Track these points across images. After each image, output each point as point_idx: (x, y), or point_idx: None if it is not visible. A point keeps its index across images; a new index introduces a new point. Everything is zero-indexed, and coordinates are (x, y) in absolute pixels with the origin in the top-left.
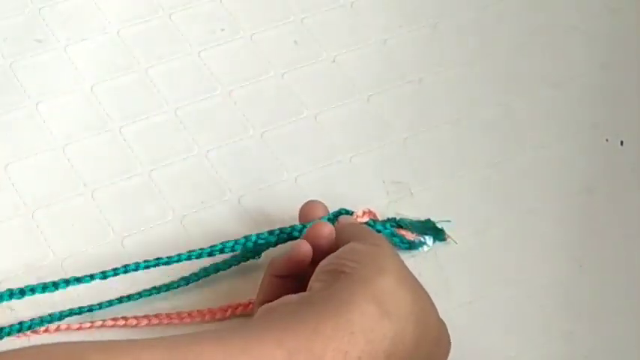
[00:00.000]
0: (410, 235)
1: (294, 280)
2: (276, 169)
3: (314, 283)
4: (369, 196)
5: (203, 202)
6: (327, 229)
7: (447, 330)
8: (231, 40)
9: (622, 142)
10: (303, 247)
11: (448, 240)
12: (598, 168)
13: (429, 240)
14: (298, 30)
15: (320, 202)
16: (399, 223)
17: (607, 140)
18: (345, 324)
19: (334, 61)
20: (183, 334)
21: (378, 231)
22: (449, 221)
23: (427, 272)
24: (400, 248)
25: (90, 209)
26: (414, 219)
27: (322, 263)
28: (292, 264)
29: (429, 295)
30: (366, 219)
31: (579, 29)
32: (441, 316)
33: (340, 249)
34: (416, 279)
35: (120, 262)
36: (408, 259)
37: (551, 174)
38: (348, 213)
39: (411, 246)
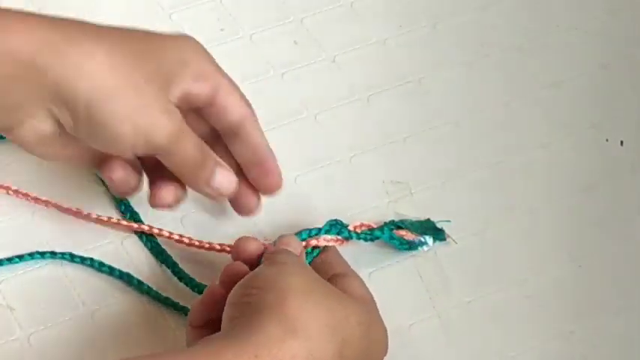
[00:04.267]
0: (410, 235)
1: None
2: None
3: (224, 318)
4: (369, 196)
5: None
6: (254, 245)
7: (384, 332)
8: (231, 40)
9: (622, 142)
10: (216, 290)
11: (448, 240)
12: (598, 168)
13: (429, 240)
14: (298, 30)
15: (254, 239)
16: (398, 224)
17: (607, 140)
18: (248, 347)
19: (334, 61)
20: None
21: (376, 237)
22: (449, 221)
23: (427, 272)
24: (400, 249)
25: None
26: (414, 219)
27: (229, 296)
28: (207, 308)
29: (353, 302)
30: (358, 230)
31: (579, 29)
32: (441, 315)
33: (244, 277)
34: (331, 289)
35: None
36: (408, 259)
37: (551, 174)
38: (343, 226)
39: (411, 246)
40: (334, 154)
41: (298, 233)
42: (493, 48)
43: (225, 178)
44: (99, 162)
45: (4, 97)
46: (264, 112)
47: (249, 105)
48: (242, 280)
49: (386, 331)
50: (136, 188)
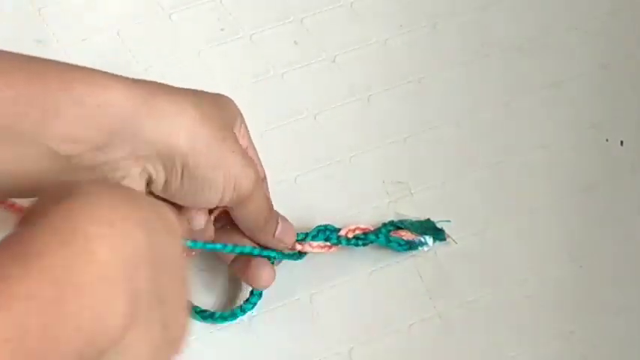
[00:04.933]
0: (409, 235)
1: None
2: (275, 169)
3: None
4: (369, 196)
5: None
6: None
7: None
8: (231, 40)
9: (622, 142)
10: None
11: (448, 240)
12: (598, 168)
13: (429, 240)
14: (298, 30)
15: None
16: (397, 225)
17: (607, 140)
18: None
19: (334, 61)
20: None
21: (370, 241)
22: (449, 221)
23: (427, 272)
24: (399, 250)
25: None
26: (414, 219)
27: None
28: None
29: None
30: (351, 234)
31: (579, 29)
32: (442, 315)
33: None
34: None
35: None
36: (408, 259)
37: (551, 174)
38: (334, 230)
39: (411, 246)
40: (334, 154)
41: None
42: (493, 48)
43: (288, 230)
44: None
45: (106, 155)
46: (264, 112)
47: (263, 168)
48: None
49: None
50: (211, 235)
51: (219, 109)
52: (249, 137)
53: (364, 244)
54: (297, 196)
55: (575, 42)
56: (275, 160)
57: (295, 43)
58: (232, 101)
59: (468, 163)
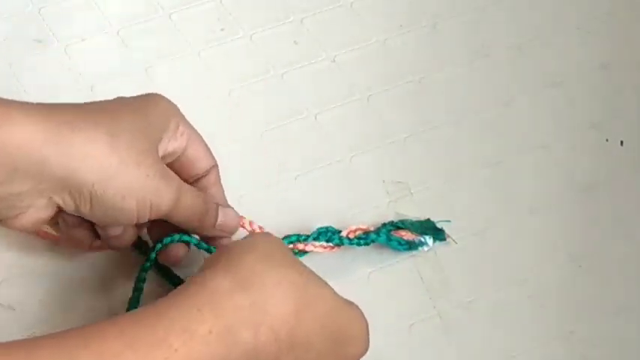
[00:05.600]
0: (409, 235)
1: None
2: (276, 169)
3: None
4: (369, 196)
5: None
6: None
7: (351, 313)
8: (231, 40)
9: (622, 142)
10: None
11: (448, 240)
12: (598, 168)
13: (429, 240)
14: (298, 30)
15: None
16: (397, 225)
17: (607, 140)
18: (191, 302)
19: (334, 61)
20: (23, 339)
21: (372, 241)
22: (449, 221)
23: (427, 272)
24: (399, 250)
25: None
26: (414, 219)
27: None
28: None
29: (315, 277)
30: (352, 235)
31: (579, 29)
32: (441, 315)
33: None
34: (296, 261)
35: None
36: (408, 259)
37: (551, 174)
38: (335, 232)
39: (411, 246)
40: (334, 154)
41: (287, 237)
42: (493, 48)
43: (228, 217)
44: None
45: (7, 189)
46: (264, 112)
47: (212, 155)
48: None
49: (360, 320)
50: (132, 239)
51: (143, 123)
52: (190, 131)
53: (366, 244)
54: (297, 196)
55: (575, 42)
56: (275, 160)
57: (295, 43)
58: (164, 102)
59: (468, 163)
